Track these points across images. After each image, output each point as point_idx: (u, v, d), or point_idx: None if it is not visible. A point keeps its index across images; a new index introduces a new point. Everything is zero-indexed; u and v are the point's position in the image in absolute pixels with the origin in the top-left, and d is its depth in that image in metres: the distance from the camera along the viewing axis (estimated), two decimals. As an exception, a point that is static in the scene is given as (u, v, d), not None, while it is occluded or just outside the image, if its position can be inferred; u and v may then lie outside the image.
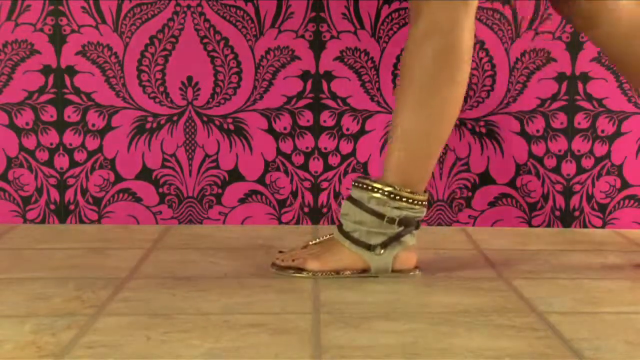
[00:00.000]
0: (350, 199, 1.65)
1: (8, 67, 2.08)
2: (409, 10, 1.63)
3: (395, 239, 1.63)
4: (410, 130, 1.61)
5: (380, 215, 1.62)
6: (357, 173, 2.13)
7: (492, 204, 2.15)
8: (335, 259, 1.65)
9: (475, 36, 2.10)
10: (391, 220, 1.62)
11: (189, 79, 2.09)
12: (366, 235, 1.63)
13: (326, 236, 1.71)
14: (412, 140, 1.61)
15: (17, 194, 2.11)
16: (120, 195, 2.12)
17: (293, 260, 1.66)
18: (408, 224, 1.64)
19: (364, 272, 1.65)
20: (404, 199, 1.62)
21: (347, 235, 1.65)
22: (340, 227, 1.66)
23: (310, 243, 1.71)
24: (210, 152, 2.11)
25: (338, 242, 1.66)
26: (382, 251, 1.63)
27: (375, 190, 1.62)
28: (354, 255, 1.64)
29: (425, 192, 1.65)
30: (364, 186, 1.64)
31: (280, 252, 1.72)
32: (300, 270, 1.66)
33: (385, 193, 1.62)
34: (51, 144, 2.10)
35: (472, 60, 2.10)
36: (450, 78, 1.59)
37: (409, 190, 1.62)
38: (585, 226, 2.15)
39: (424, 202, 1.64)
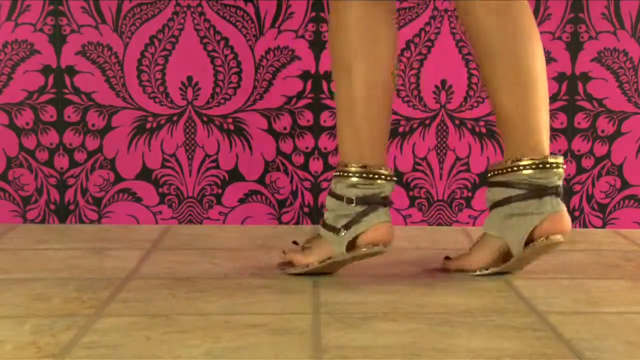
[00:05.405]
0: (329, 192, 1.67)
1: (8, 67, 2.07)
2: None
3: (357, 219, 1.61)
4: (338, 107, 1.64)
5: (340, 197, 1.62)
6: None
7: (492, 204, 2.14)
8: (313, 251, 1.65)
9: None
10: (349, 201, 1.61)
11: (189, 79, 2.09)
12: (334, 219, 1.63)
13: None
14: (345, 112, 1.63)
15: (17, 194, 2.11)
16: (120, 195, 2.12)
17: (284, 253, 1.69)
18: (371, 202, 1.61)
19: (330, 258, 1.64)
20: (356, 175, 1.61)
21: (323, 224, 1.66)
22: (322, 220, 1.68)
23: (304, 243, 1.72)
24: (210, 152, 2.11)
25: (319, 234, 1.67)
26: (344, 233, 1.62)
27: (337, 174, 1.63)
28: (326, 243, 1.64)
29: (385, 167, 1.64)
30: (336, 174, 1.65)
31: (294, 242, 1.73)
32: (285, 266, 1.68)
33: (341, 174, 1.62)
34: (51, 144, 2.10)
35: (473, 60, 2.10)
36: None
37: (360, 165, 1.61)
38: (585, 226, 2.15)
39: (383, 177, 1.62)
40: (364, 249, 1.62)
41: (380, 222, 1.61)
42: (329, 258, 1.63)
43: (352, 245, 1.62)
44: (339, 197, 1.62)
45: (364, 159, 1.61)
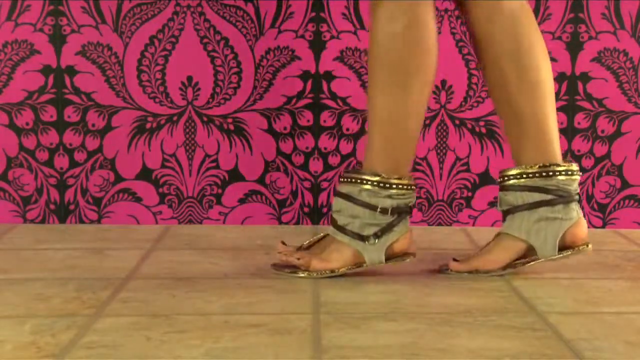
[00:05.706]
0: (341, 194, 1.65)
1: (8, 67, 2.08)
2: None
3: (388, 228, 1.63)
4: (377, 119, 1.62)
5: (372, 207, 1.62)
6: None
7: (492, 204, 2.14)
8: (335, 256, 1.65)
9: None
10: (384, 211, 1.62)
11: (189, 79, 2.09)
12: (359, 227, 1.63)
13: (321, 235, 1.71)
14: (389, 125, 1.62)
15: (17, 194, 2.11)
16: (120, 195, 2.12)
17: (298, 259, 1.66)
18: (401, 212, 1.64)
19: (359, 265, 1.65)
20: (393, 186, 1.62)
21: (341, 229, 1.65)
22: (334, 223, 1.66)
23: (304, 244, 1.71)
24: (210, 152, 2.12)
25: (335, 238, 1.66)
26: (375, 241, 1.63)
27: (364, 182, 1.62)
28: (351, 249, 1.64)
29: (410, 176, 1.66)
30: (353, 180, 1.64)
31: (283, 242, 1.72)
32: (296, 269, 1.66)
33: (374, 183, 1.62)
34: (51, 144, 2.10)
35: (472, 60, 2.10)
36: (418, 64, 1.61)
37: (396, 176, 1.62)
38: (585, 226, 2.15)
39: (412, 187, 1.64)
40: (399, 258, 1.65)
41: (408, 230, 1.65)
42: (358, 264, 1.65)
43: (387, 253, 1.65)
44: (367, 206, 1.62)
45: (399, 171, 1.63)
